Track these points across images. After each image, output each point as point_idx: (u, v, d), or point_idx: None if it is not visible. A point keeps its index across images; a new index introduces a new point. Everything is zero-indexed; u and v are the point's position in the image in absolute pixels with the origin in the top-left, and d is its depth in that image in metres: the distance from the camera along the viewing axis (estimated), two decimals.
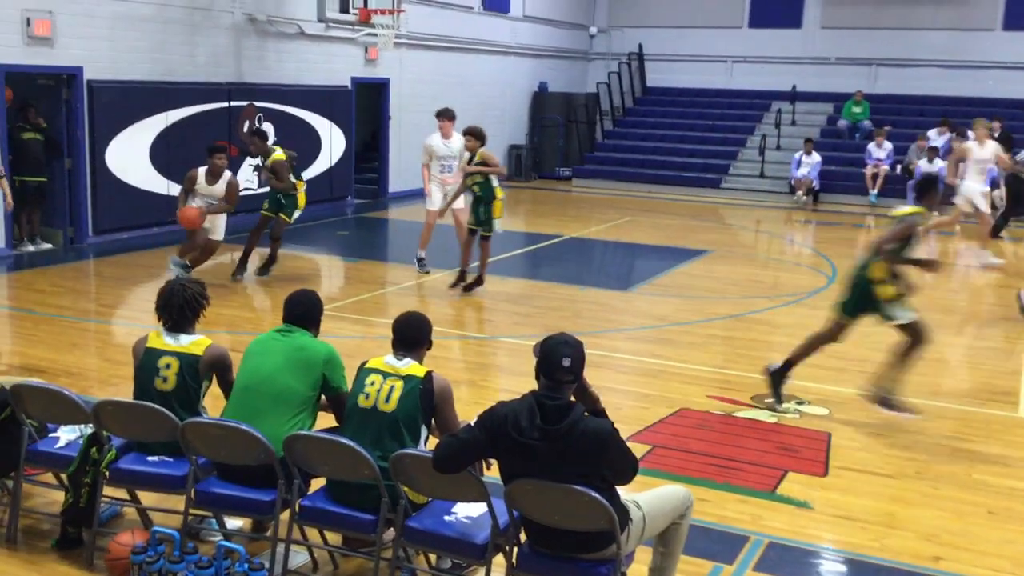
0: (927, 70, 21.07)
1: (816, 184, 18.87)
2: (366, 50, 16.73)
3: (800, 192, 18.79)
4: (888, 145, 18.91)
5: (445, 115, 11.14)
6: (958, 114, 19.54)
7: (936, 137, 18.82)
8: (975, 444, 6.46)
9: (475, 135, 10.02)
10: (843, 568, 4.84)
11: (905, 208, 6.90)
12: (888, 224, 6.81)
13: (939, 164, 17.89)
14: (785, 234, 16.19)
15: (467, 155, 10.17)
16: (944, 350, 8.75)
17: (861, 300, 6.67)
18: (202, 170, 9.85)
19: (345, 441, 4.01)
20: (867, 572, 4.77)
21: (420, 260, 11.27)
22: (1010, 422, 6.90)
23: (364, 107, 17.45)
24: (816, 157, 18.99)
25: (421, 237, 11.34)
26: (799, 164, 19.03)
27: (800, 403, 7.07)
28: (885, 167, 18.70)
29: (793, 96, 21.49)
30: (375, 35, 15.65)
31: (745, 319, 9.74)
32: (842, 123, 20.78)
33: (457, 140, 11.03)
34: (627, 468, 3.69)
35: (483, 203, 10.05)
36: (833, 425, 6.64)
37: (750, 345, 8.87)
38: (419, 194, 18.22)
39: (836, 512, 5.35)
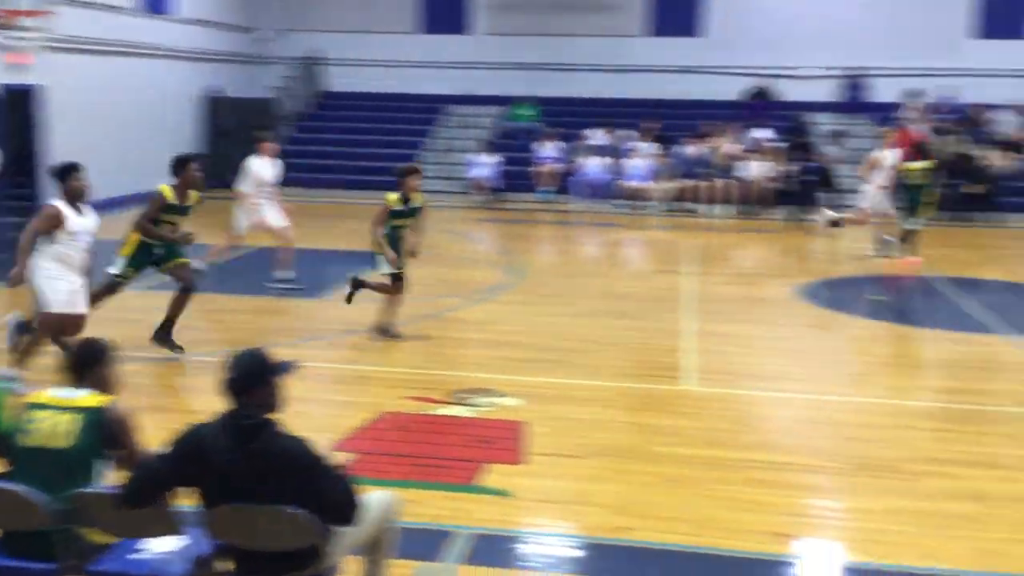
0: (586, 74, 22.56)
1: (495, 183, 19.62)
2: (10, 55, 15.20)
3: (479, 192, 19.45)
4: (558, 144, 20.04)
5: (266, 137, 10.99)
6: (618, 115, 21.11)
7: (600, 136, 20.26)
8: (650, 418, 7.02)
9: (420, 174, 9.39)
10: (546, 549, 5.05)
11: None
12: None
13: (597, 160, 19.32)
14: (467, 233, 16.69)
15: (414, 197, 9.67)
16: (614, 333, 9.44)
17: None
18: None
19: (11, 487, 3.60)
20: (568, 549, 5.02)
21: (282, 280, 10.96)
22: (676, 394, 7.56)
23: (14, 117, 15.83)
24: (494, 158, 19.75)
25: (280, 261, 11.10)
26: (475, 165, 19.70)
27: (501, 396, 7.29)
28: (555, 165, 19.80)
29: (468, 99, 22.21)
30: (23, 38, 14.25)
31: (438, 318, 9.93)
32: (512, 125, 21.79)
33: (279, 163, 11.06)
34: (343, 503, 3.51)
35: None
36: (527, 414, 6.92)
37: (445, 343, 9.06)
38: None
39: (535, 497, 5.57)
